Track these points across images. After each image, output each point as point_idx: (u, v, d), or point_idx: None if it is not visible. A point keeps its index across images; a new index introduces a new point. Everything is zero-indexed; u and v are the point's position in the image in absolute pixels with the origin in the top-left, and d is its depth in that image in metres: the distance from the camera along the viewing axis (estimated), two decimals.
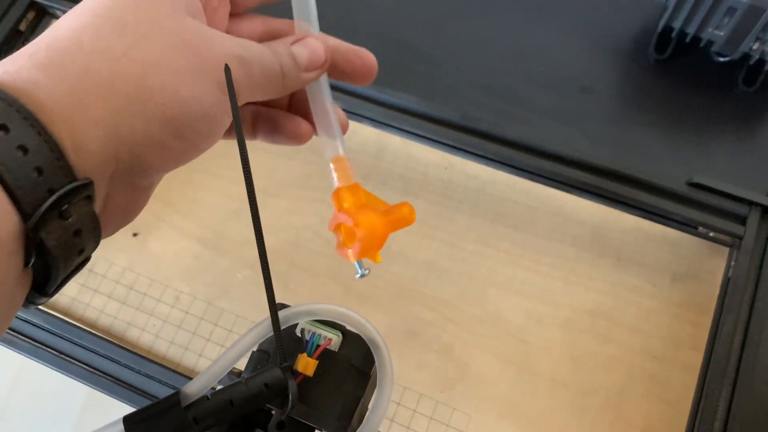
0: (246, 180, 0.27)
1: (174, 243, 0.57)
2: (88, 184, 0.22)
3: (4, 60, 0.22)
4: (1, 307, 0.20)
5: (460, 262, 0.55)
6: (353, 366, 0.30)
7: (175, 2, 0.25)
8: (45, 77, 0.22)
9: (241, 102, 0.26)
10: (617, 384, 0.51)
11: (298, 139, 0.32)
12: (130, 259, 0.57)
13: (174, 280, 0.56)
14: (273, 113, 0.32)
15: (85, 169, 0.22)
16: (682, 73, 0.58)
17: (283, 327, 0.30)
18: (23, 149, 0.20)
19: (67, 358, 0.42)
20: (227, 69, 0.26)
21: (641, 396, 0.50)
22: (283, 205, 0.58)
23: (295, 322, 0.30)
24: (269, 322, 0.30)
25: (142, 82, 0.23)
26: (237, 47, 0.26)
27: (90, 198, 0.22)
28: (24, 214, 0.20)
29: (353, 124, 0.57)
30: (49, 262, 0.21)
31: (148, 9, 0.24)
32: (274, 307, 0.29)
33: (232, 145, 0.50)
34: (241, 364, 0.32)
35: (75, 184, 0.21)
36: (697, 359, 0.49)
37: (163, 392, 0.42)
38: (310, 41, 0.29)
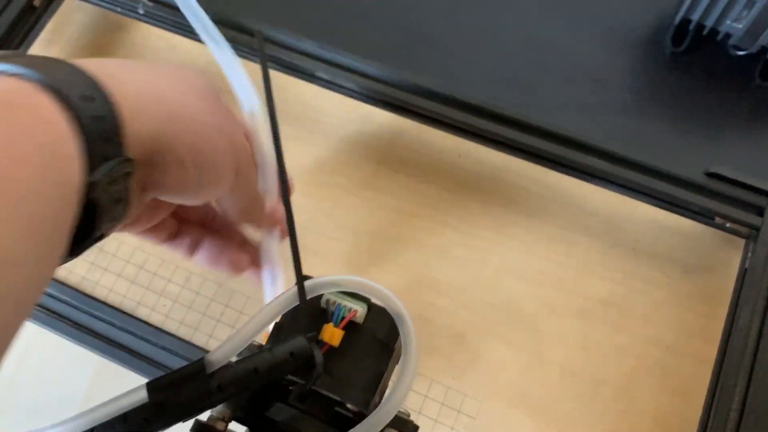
0: (276, 152, 0.30)
1: None
2: (133, 162, 0.25)
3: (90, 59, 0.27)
4: (51, 257, 0.22)
5: (473, 249, 0.54)
6: (377, 339, 0.30)
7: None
8: (130, 88, 0.26)
9: (229, 183, 0.32)
10: (628, 374, 0.50)
11: (237, 268, 0.38)
12: None
13: (184, 260, 0.55)
14: (218, 239, 0.37)
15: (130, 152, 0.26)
16: (698, 65, 0.58)
17: (308, 297, 0.29)
18: (99, 119, 0.24)
19: (82, 328, 0.41)
20: (259, 34, 0.29)
21: (652, 386, 0.50)
22: (296, 188, 0.57)
23: (320, 293, 0.30)
24: (294, 291, 0.29)
25: (197, 118, 0.29)
26: (249, 148, 0.34)
27: (129, 174, 0.25)
28: (88, 172, 0.24)
29: (368, 108, 0.57)
30: (95, 219, 0.25)
31: (208, 86, 0.31)
32: (300, 276, 0.29)
33: None
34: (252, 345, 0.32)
35: (125, 157, 0.25)
36: (709, 351, 0.49)
37: (179, 365, 0.41)
38: (276, 210, 0.37)
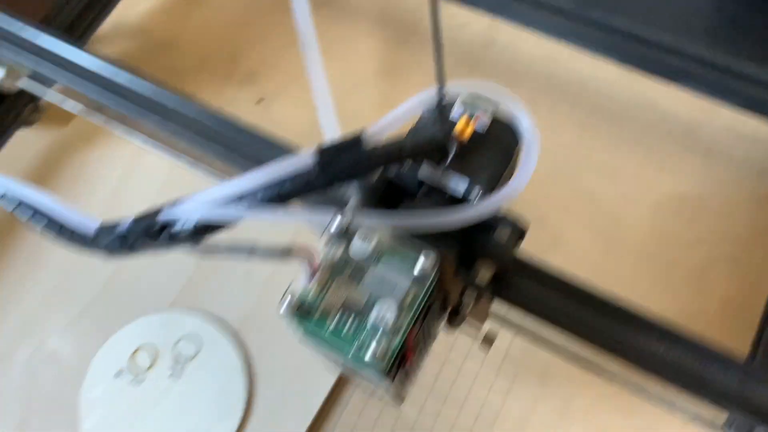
0: None
1: (295, 110, 0.62)
2: None
3: None
4: None
5: (557, 146, 0.59)
6: (501, 143, 0.35)
7: None
8: None
9: None
10: (700, 261, 0.54)
11: None
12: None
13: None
14: None
15: None
16: None
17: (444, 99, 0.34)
18: None
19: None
20: None
21: (722, 274, 0.54)
22: (373, 95, 0.62)
23: (455, 97, 0.35)
24: (434, 91, 0.34)
25: None
26: None
27: None
28: None
29: (465, 14, 0.61)
30: None
31: None
32: (441, 75, 0.34)
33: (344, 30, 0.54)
34: None
35: None
36: None
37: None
38: None
